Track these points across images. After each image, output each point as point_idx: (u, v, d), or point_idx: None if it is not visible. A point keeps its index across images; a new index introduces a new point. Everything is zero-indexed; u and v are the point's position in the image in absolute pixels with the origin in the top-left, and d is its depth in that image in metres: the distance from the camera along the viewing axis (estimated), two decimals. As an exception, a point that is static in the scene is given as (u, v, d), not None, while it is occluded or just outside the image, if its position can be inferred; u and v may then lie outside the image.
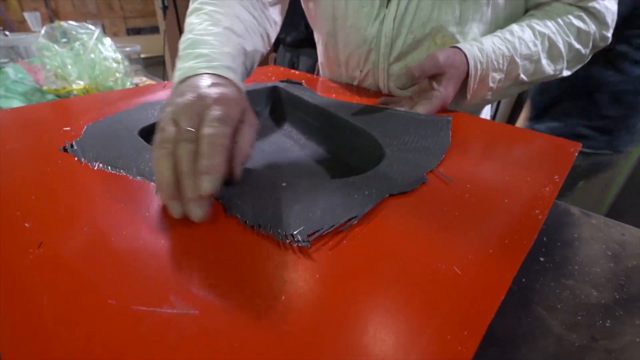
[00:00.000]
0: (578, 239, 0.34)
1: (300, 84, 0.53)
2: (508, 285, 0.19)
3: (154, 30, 2.83)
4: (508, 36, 0.45)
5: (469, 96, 0.45)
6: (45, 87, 0.92)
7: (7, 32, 1.17)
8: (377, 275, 0.20)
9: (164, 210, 0.24)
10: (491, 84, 0.45)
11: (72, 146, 0.32)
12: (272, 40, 0.49)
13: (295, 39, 1.75)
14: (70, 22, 1.08)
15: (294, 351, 0.16)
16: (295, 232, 0.22)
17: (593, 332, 0.24)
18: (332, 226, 0.23)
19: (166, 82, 0.61)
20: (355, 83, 0.57)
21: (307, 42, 1.71)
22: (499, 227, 0.24)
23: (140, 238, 0.22)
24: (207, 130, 0.24)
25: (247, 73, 0.41)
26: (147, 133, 0.36)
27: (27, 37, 1.19)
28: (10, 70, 0.97)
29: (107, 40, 1.05)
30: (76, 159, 0.31)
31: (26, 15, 1.14)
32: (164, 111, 0.27)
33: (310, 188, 0.27)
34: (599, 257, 0.32)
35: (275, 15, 0.51)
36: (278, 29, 0.52)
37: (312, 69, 1.65)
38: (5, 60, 1.11)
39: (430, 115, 0.42)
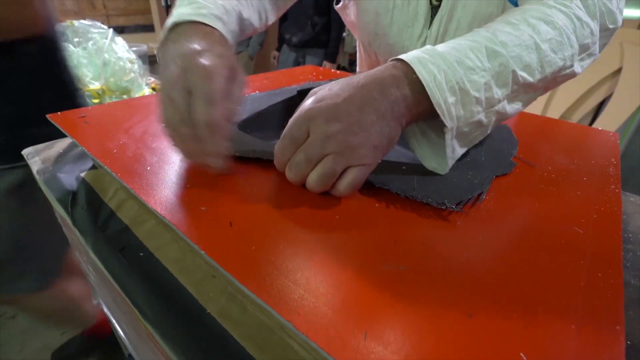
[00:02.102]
0: (625, 214, 0.40)
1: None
2: (620, 238, 0.24)
3: (138, 29, 2.77)
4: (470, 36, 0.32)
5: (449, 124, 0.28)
6: (58, 87, 0.90)
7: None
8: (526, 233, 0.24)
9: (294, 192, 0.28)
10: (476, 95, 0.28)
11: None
12: (268, 25, 0.50)
13: (302, 39, 1.78)
14: (82, 21, 1.05)
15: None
16: (446, 201, 0.26)
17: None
18: (470, 198, 0.27)
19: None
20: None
21: (313, 42, 1.75)
22: (590, 197, 0.29)
23: (318, 218, 0.25)
24: (200, 116, 0.27)
25: (237, 36, 0.41)
26: (244, 126, 0.39)
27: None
28: (18, 70, 0.94)
29: (120, 40, 1.04)
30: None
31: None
32: (161, 78, 0.30)
33: (426, 171, 0.31)
34: (644, 227, 0.38)
35: (273, 11, 0.51)
36: (273, 20, 0.51)
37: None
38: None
39: None
